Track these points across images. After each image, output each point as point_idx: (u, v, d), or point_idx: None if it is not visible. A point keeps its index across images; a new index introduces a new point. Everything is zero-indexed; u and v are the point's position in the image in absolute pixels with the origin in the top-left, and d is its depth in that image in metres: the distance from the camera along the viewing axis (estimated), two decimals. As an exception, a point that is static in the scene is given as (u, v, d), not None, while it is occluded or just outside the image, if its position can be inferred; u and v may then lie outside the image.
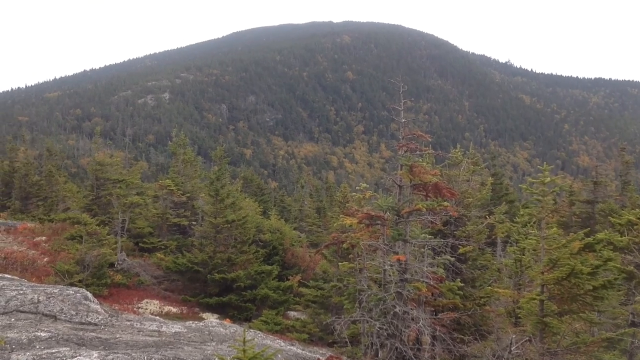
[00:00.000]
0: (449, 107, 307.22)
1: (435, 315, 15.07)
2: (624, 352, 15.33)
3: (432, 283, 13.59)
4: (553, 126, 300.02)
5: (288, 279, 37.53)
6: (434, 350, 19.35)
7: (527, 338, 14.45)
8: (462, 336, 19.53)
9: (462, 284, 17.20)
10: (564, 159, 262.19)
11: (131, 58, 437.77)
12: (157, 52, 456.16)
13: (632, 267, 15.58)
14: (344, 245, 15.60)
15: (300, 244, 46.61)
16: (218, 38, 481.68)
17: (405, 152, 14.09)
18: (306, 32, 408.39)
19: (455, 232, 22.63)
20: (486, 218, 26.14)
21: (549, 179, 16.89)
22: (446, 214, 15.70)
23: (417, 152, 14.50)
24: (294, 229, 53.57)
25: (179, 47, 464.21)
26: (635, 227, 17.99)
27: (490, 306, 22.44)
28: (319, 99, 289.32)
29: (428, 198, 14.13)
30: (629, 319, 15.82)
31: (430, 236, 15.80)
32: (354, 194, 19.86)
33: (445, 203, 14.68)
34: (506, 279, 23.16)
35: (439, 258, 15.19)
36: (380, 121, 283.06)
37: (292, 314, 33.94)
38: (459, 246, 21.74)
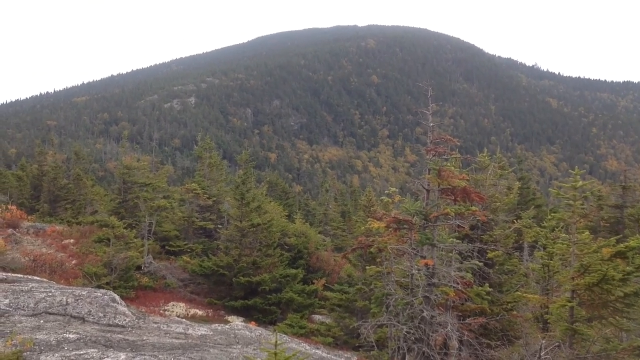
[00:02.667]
0: (475, 111, 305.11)
1: (462, 320, 14.91)
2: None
3: (460, 288, 13.47)
4: (581, 130, 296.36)
5: (313, 283, 37.53)
6: (460, 355, 19.20)
7: (556, 344, 14.25)
8: (489, 341, 19.36)
9: (490, 289, 17.02)
10: (591, 163, 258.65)
11: (157, 63, 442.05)
12: (183, 56, 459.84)
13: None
14: (372, 249, 15.52)
15: (325, 248, 46.58)
16: (243, 43, 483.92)
17: (434, 156, 14.00)
18: (331, 36, 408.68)
19: (482, 236, 22.43)
20: (513, 222, 25.95)
21: (580, 183, 16.70)
22: (474, 219, 15.57)
23: (445, 156, 14.40)
24: (319, 232, 53.53)
25: (205, 51, 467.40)
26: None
27: (517, 311, 22.22)
28: (343, 103, 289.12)
29: (456, 202, 14.01)
30: None
31: (458, 240, 15.67)
32: (383, 197, 19.78)
33: (474, 207, 14.55)
34: (533, 284, 22.91)
35: (467, 263, 15.05)
36: (405, 125, 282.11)
37: (316, 317, 33.92)
38: (487, 251, 21.57)
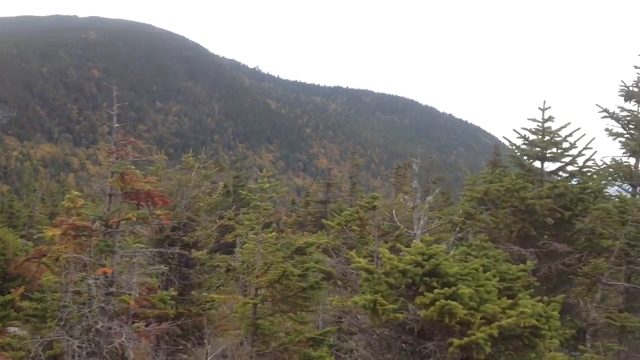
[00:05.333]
0: (199, 110, 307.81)
1: (149, 326, 14.73)
2: (330, 348, 16.39)
3: (137, 295, 13.22)
4: (296, 130, 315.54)
5: (9, 292, 34.30)
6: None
7: (240, 341, 14.79)
8: (186, 342, 19.52)
9: (175, 293, 16.99)
10: (305, 161, 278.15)
11: None
12: None
13: (329, 268, 16.73)
14: (45, 260, 14.57)
15: (26, 253, 42.97)
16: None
17: (117, 158, 13.58)
18: (48, 26, 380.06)
19: (183, 237, 22.49)
20: (216, 222, 26.41)
21: (267, 185, 17.51)
22: (159, 223, 15.43)
23: (131, 159, 14.06)
24: (22, 236, 49.19)
25: None
26: (351, 227, 19.34)
27: (216, 309, 22.75)
28: (60, 97, 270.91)
29: (140, 206, 13.76)
30: (319, 319, 17.05)
31: (143, 245, 15.45)
32: (63, 202, 18.64)
33: (159, 211, 14.41)
34: (232, 282, 23.66)
35: (152, 268, 14.87)
36: (127, 121, 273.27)
37: (12, 329, 31.14)
38: (191, 251, 21.74)
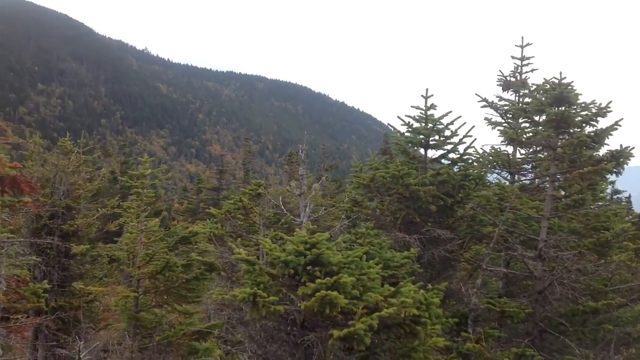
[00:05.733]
0: (84, 92, 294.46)
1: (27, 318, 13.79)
2: (218, 339, 16.05)
3: (8, 288, 12.31)
4: (188, 115, 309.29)
5: None
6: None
7: (122, 335, 14.15)
8: (67, 336, 18.57)
9: (48, 286, 16.04)
10: (197, 147, 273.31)
11: None
12: None
13: (213, 259, 16.37)
14: None
15: None
16: None
17: (-21, 142, 12.54)
18: None
19: (62, 226, 21.33)
20: (98, 211, 25.26)
21: (149, 171, 16.82)
22: (27, 211, 14.44)
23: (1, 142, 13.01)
24: None
25: None
26: (236, 216, 18.96)
27: (100, 302, 21.76)
28: None
29: (5, 193, 12.78)
30: (210, 309, 16.69)
31: (11, 235, 14.42)
32: None
33: (27, 199, 13.45)
34: (116, 273, 22.67)
35: (23, 259, 13.92)
36: (6, 104, 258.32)
37: None
38: (71, 239, 20.67)
